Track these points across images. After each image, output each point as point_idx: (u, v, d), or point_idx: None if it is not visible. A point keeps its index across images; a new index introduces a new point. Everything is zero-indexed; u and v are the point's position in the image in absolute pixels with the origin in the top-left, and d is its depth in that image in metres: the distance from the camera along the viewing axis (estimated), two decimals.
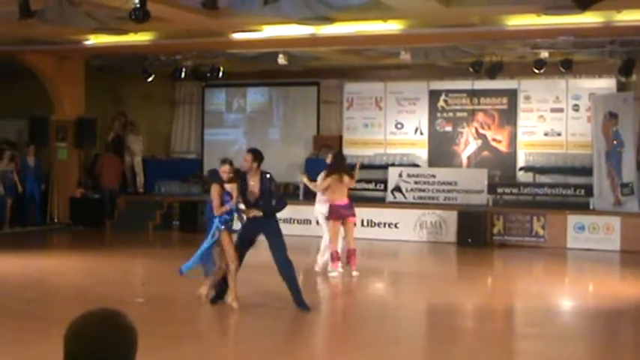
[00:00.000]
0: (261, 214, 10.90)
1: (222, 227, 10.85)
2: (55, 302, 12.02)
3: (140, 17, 12.32)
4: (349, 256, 14.14)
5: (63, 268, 15.71)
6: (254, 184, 10.97)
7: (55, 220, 22.16)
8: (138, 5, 12.25)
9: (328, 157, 14.65)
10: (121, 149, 23.45)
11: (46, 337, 8.73)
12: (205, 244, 10.95)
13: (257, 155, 11.24)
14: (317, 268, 14.52)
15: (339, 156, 14.73)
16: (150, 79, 22.10)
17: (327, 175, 13.99)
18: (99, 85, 23.49)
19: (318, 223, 15.38)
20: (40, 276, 14.46)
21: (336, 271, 14.11)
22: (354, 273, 14.13)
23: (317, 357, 9.14)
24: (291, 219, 20.24)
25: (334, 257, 14.07)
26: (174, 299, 12.18)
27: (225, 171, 11.11)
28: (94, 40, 18.82)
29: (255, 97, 25.88)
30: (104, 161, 22.75)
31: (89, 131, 22.42)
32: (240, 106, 25.97)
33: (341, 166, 14.10)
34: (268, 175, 11.20)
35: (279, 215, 11.39)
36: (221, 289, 11.23)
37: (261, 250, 11.31)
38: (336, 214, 13.88)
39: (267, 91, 25.70)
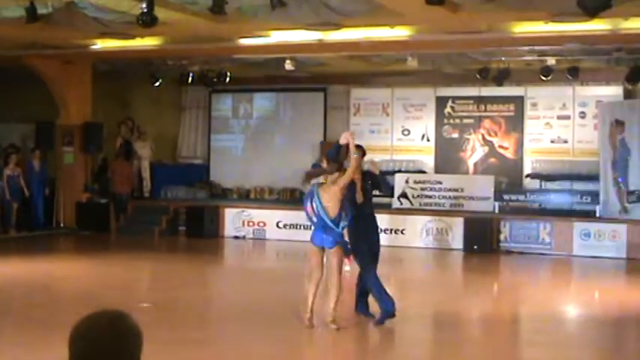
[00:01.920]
0: None
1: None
2: (60, 307, 12.01)
3: (147, 22, 12.35)
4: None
5: (69, 272, 15.72)
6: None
7: (61, 225, 22.16)
8: (145, 10, 12.27)
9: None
10: (130, 154, 23.44)
11: (52, 342, 8.72)
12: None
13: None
14: None
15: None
16: (157, 84, 22.12)
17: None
18: (105, 90, 23.50)
19: None
20: (45, 280, 14.47)
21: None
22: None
23: None
24: (297, 224, 20.26)
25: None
26: (180, 304, 12.17)
27: None
28: (100, 44, 18.83)
29: (261, 103, 25.88)
30: (115, 167, 22.76)
31: (95, 136, 22.42)
32: (246, 111, 25.98)
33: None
34: None
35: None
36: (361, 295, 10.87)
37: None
38: None
39: (274, 97, 25.71)
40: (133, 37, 17.24)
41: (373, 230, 10.58)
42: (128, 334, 2.52)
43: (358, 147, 10.75)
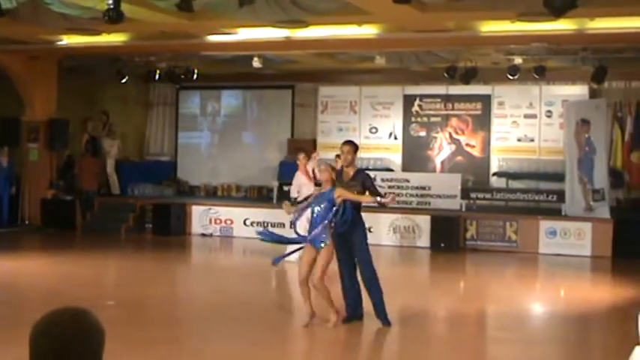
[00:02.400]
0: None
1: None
2: (25, 304, 11.92)
3: (114, 18, 12.25)
4: None
5: (33, 270, 15.59)
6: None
7: (26, 222, 21.97)
8: (112, 6, 12.18)
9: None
10: (97, 150, 23.27)
11: (16, 340, 8.60)
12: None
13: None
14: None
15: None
16: (124, 81, 21.98)
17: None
18: (72, 86, 23.31)
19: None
20: (10, 278, 14.34)
21: None
22: None
23: None
24: (265, 222, 20.24)
25: None
26: (146, 302, 12.12)
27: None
28: (67, 40, 18.69)
29: (229, 100, 25.84)
30: (83, 164, 22.60)
31: (61, 132, 22.23)
32: (214, 109, 25.91)
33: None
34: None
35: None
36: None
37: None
38: None
39: (242, 94, 25.66)
40: (99, 33, 17.12)
41: (349, 232, 10.43)
42: (90, 331, 2.50)
43: (349, 142, 10.72)
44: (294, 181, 15.83)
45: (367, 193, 10.34)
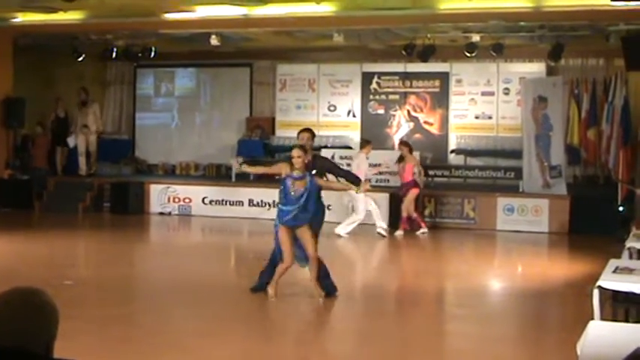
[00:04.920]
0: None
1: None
2: None
3: None
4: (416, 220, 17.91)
5: None
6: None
7: None
8: None
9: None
10: (61, 131, 22.88)
11: None
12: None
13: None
14: (381, 232, 17.45)
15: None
16: (80, 59, 21.75)
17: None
18: (28, 65, 23.03)
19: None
20: None
21: (401, 232, 17.76)
22: (423, 231, 17.76)
23: (245, 340, 9.11)
24: (223, 200, 20.21)
25: (404, 220, 17.81)
26: (104, 281, 12.06)
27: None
28: (22, 18, 18.46)
29: (187, 78, 25.64)
30: (39, 141, 22.35)
31: (17, 111, 21.95)
32: (171, 87, 25.72)
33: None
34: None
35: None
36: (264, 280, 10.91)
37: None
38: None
39: (200, 73, 25.50)
40: (55, 10, 16.92)
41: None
42: (42, 310, 2.48)
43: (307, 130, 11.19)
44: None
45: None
